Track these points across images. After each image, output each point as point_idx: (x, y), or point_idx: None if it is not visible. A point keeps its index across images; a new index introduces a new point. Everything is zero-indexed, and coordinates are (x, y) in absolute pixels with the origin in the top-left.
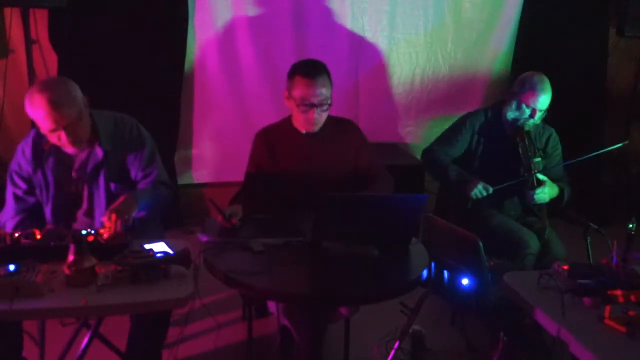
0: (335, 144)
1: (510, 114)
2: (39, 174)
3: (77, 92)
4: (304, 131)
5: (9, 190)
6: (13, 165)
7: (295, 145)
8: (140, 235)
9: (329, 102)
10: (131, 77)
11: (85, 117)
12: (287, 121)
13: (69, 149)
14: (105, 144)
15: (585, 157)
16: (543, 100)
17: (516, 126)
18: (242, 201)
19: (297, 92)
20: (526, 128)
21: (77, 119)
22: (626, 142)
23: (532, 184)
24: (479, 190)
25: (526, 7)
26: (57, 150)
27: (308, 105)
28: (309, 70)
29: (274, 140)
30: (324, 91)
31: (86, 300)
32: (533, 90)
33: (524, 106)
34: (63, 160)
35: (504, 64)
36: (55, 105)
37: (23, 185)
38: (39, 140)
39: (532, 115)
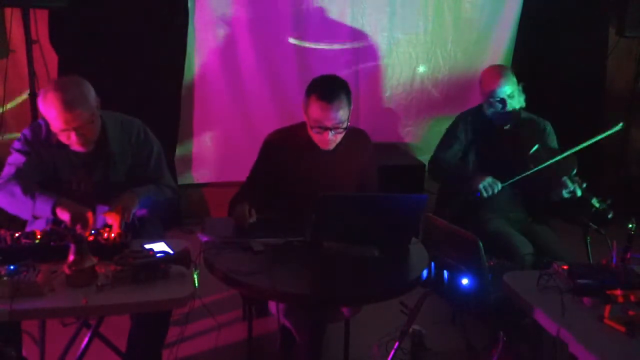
0: (348, 157)
1: (488, 111)
2: (44, 168)
3: (91, 94)
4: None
5: (10, 161)
6: (17, 144)
7: (307, 154)
8: (141, 235)
9: (344, 125)
10: (131, 77)
11: (96, 119)
12: (303, 127)
13: (77, 149)
14: (113, 146)
15: (583, 145)
16: (506, 87)
17: (501, 127)
18: (248, 200)
19: (312, 114)
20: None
21: (89, 121)
22: (621, 124)
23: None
24: (488, 183)
25: (526, 7)
26: (64, 147)
27: (322, 128)
28: (326, 92)
29: (286, 145)
30: (340, 114)
31: (86, 300)
32: (491, 82)
33: (491, 100)
34: (70, 158)
35: (504, 64)
36: (68, 105)
37: (24, 159)
38: (47, 134)
39: (504, 105)
